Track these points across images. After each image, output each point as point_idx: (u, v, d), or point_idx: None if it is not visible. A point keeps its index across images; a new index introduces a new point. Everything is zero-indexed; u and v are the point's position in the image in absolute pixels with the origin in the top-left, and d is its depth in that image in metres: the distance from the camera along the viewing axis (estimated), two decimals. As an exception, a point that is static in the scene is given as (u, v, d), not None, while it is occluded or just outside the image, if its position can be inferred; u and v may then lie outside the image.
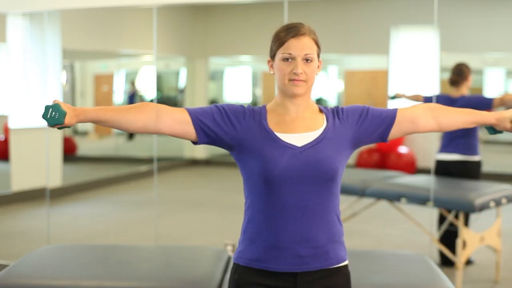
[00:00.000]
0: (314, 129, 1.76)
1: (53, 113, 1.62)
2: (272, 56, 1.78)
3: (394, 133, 1.81)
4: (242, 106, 1.79)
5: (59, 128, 1.66)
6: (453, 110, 1.84)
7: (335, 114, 1.80)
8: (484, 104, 4.31)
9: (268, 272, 1.74)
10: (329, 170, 1.72)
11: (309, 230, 1.72)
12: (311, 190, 1.71)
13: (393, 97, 4.91)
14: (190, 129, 1.74)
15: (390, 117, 1.80)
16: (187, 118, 1.73)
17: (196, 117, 1.73)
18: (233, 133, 1.75)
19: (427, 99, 4.57)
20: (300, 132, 1.75)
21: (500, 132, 1.84)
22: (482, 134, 4.56)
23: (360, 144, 1.81)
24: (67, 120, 1.61)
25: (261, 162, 1.71)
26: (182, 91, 11.21)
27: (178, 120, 1.73)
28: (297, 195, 1.71)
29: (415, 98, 4.69)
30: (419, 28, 8.01)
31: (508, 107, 4.27)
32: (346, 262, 1.81)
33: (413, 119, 1.80)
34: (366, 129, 1.79)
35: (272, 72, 1.79)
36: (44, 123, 1.62)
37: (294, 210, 1.71)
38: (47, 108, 1.62)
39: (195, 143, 1.77)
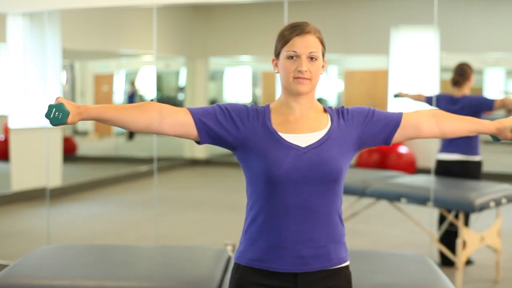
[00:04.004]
0: (318, 129, 1.75)
1: (57, 113, 1.60)
2: (277, 55, 1.77)
3: (397, 137, 1.81)
4: (245, 106, 1.77)
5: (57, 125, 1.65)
6: (455, 117, 1.85)
7: (340, 115, 1.79)
8: (486, 105, 4.31)
9: (269, 272, 1.74)
10: (333, 170, 1.71)
11: (311, 230, 1.72)
12: (315, 191, 1.71)
13: (396, 96, 4.92)
14: (192, 130, 1.73)
15: (394, 121, 1.80)
16: (189, 119, 1.73)
17: (199, 118, 1.73)
18: (236, 134, 1.74)
19: (429, 99, 4.57)
20: (304, 132, 1.74)
21: (499, 140, 1.87)
22: (483, 135, 4.55)
23: (363, 146, 1.80)
24: (70, 119, 1.60)
25: (264, 163, 1.70)
26: (182, 91, 11.21)
27: (181, 122, 1.72)
28: (300, 196, 1.70)
29: (417, 97, 4.70)
30: (419, 28, 8.00)
31: (508, 110, 4.27)
32: (347, 263, 1.81)
33: (417, 124, 1.80)
34: (371, 132, 1.78)
35: (276, 71, 1.79)
36: (44, 122, 1.62)
37: (296, 211, 1.71)
38: (50, 107, 1.60)
39: (198, 142, 1.77)
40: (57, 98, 1.62)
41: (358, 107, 1.82)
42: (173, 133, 1.73)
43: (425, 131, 1.81)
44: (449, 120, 1.84)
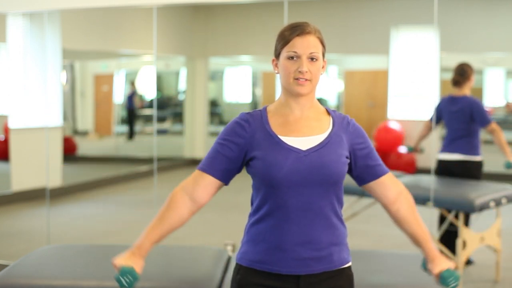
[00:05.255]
0: (319, 132, 1.75)
1: (125, 278, 1.72)
2: (277, 55, 1.76)
3: (368, 185, 1.83)
4: (235, 122, 1.77)
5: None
6: (417, 218, 1.83)
7: (343, 122, 1.79)
8: (480, 121, 4.32)
9: (271, 274, 1.73)
10: (334, 173, 1.71)
11: (312, 232, 1.71)
12: (315, 193, 1.71)
13: (411, 150, 4.89)
14: (218, 183, 1.79)
15: (377, 172, 1.81)
16: (208, 178, 1.78)
17: (214, 170, 1.77)
18: (242, 150, 1.75)
19: (431, 120, 4.58)
20: (304, 135, 1.73)
21: (426, 269, 1.85)
22: (483, 134, 4.56)
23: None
24: (137, 268, 1.76)
25: (265, 166, 1.70)
26: (182, 91, 11.21)
27: (205, 185, 1.78)
28: (301, 198, 1.70)
29: (426, 130, 4.69)
30: (419, 28, 8.01)
31: (493, 138, 4.31)
32: (349, 264, 1.81)
33: (386, 189, 1.81)
34: (356, 156, 1.78)
35: (276, 71, 1.78)
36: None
37: (298, 213, 1.70)
38: (118, 280, 1.71)
39: (225, 184, 1.82)
40: (113, 264, 1.76)
41: (361, 129, 1.82)
42: (209, 197, 1.81)
43: (385, 199, 1.82)
44: (409, 213, 1.82)
